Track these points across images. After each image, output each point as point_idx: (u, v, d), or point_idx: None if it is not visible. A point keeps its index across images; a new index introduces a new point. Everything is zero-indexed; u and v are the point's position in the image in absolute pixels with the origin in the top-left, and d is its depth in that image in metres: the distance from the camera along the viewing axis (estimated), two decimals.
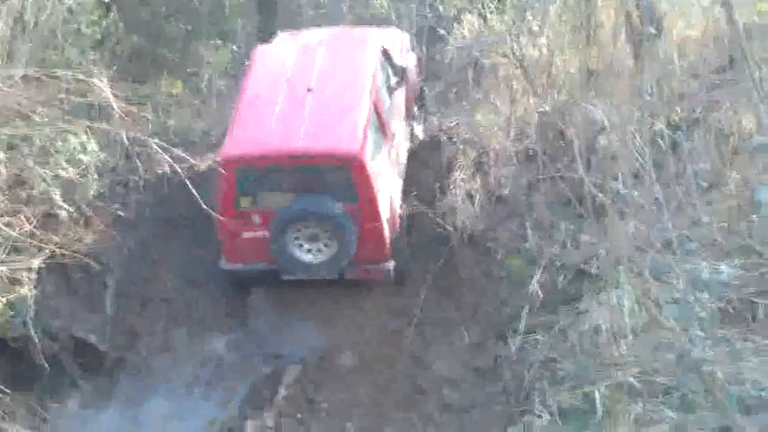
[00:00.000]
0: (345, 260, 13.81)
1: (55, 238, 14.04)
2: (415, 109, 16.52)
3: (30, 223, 13.45)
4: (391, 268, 14.08)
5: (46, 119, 14.51)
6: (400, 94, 15.82)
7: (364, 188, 13.65)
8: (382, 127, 14.60)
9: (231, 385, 13.41)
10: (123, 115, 14.51)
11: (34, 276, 13.63)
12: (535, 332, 12.73)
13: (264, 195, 13.93)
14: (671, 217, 9.79)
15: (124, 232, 14.87)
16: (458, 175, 14.46)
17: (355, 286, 14.31)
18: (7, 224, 13.25)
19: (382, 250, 14.00)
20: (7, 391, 12.78)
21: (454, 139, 15.16)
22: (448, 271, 14.16)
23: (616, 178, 10.05)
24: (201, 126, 17.10)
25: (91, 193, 14.89)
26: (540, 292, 12.87)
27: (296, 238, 13.83)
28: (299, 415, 12.75)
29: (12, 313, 13.40)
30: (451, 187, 14.31)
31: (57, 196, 14.41)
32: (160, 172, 15.52)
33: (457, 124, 15.37)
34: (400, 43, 16.56)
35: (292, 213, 13.70)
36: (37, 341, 13.38)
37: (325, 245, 13.83)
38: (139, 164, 15.32)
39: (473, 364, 13.24)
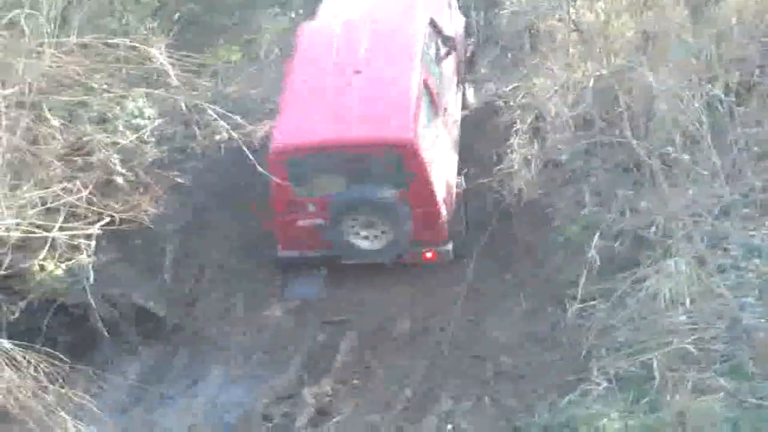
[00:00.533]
0: (402, 245, 13.93)
1: (114, 205, 14.12)
2: (466, 74, 16.43)
3: (87, 189, 13.51)
4: (450, 249, 14.13)
5: (104, 86, 14.58)
6: (450, 63, 15.69)
7: (418, 174, 13.65)
8: (433, 104, 14.49)
9: (288, 352, 13.44)
10: (181, 83, 14.54)
11: (93, 243, 13.74)
12: (592, 299, 12.63)
13: (317, 183, 13.94)
14: (727, 183, 9.71)
15: (182, 199, 14.91)
16: (515, 140, 14.33)
17: None
18: (65, 190, 13.32)
19: (440, 233, 14.04)
20: (67, 358, 12.89)
21: (511, 104, 15.02)
22: (505, 238, 14.09)
23: (673, 144, 9.98)
24: (258, 93, 17.10)
25: (149, 159, 14.99)
26: (597, 259, 12.76)
27: (352, 227, 13.90)
28: (356, 382, 12.76)
29: (71, 279, 13.53)
30: (508, 152, 14.19)
31: (115, 162, 14.51)
32: (217, 139, 15.58)
33: (514, 89, 15.22)
34: (447, 7, 16.42)
35: (346, 203, 13.78)
36: (96, 308, 13.50)
37: (383, 232, 13.91)
38: (197, 131, 15.43)
39: (530, 330, 13.18)
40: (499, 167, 14.16)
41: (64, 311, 13.42)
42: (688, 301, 11.26)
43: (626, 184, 13.26)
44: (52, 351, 13.02)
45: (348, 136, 13.81)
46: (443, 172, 14.19)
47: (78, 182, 13.60)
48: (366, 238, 13.98)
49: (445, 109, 14.86)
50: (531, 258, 13.83)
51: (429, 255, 14.17)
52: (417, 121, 13.77)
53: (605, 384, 11.47)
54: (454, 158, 14.84)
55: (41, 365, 12.74)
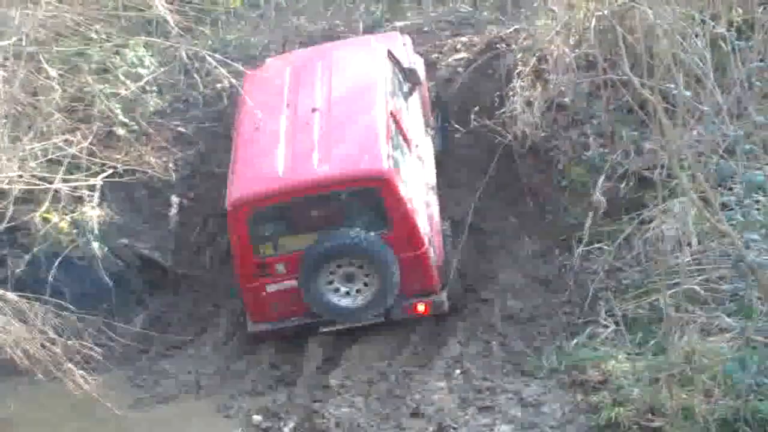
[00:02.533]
0: (389, 298, 12.27)
1: (117, 156, 14.10)
2: (436, 116, 14.95)
3: (88, 140, 13.48)
4: (445, 299, 12.60)
5: (103, 36, 14.50)
6: (415, 100, 14.21)
7: (398, 210, 12.15)
8: (404, 139, 13.05)
9: None
10: (181, 31, 14.45)
11: (96, 194, 13.74)
12: (598, 241, 12.63)
13: (284, 238, 12.45)
14: (731, 121, 9.64)
15: (185, 149, 14.86)
16: (517, 83, 14.23)
17: None
18: (66, 142, 13.29)
19: (430, 280, 12.49)
20: (73, 310, 12.90)
21: (513, 47, 14.90)
22: (510, 180, 14.05)
23: (676, 83, 9.88)
24: (260, 39, 16.99)
25: (151, 109, 14.94)
26: (603, 201, 12.74)
27: (330, 282, 12.27)
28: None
29: (76, 231, 13.52)
30: (511, 95, 14.10)
31: (117, 113, 14.46)
32: (219, 87, 15.51)
33: (515, 31, 15.10)
34: (403, 47, 14.70)
35: (319, 253, 12.15)
36: (101, 259, 13.50)
37: (365, 284, 12.30)
38: (198, 80, 15.35)
39: (537, 274, 13.18)
40: (501, 110, 14.06)
41: (69, 263, 13.37)
42: (694, 241, 11.24)
43: (630, 125, 13.21)
44: (59, 303, 13.10)
45: (313, 177, 12.27)
46: (426, 213, 12.81)
47: (79, 134, 13.59)
48: (347, 294, 12.31)
49: (417, 145, 13.43)
50: (536, 201, 13.79)
51: (421, 308, 12.47)
52: (389, 153, 12.31)
53: (612, 326, 11.50)
54: (435, 201, 13.38)
55: (48, 317, 12.79)
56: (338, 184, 12.20)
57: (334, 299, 12.28)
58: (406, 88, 13.93)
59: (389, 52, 13.78)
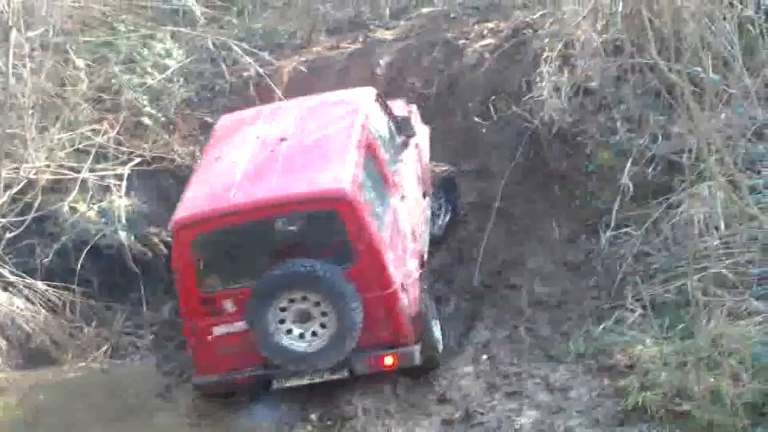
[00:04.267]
0: (349, 341, 10.64)
1: (144, 145, 14.17)
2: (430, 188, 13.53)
3: (115, 130, 13.55)
4: (416, 351, 10.99)
5: (130, 26, 14.57)
6: (410, 157, 12.86)
7: (361, 239, 10.63)
8: (383, 176, 11.69)
9: None
10: (207, 21, 14.51)
11: (124, 183, 13.80)
12: (626, 226, 12.58)
13: (234, 269, 10.89)
14: (760, 104, 9.60)
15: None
16: (544, 68, 14.16)
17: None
18: (93, 132, 13.36)
19: (399, 327, 10.91)
20: (101, 299, 13.02)
21: (539, 32, 14.84)
22: (538, 166, 14.00)
23: (704, 67, 9.85)
24: (287, 28, 17.00)
25: (178, 99, 14.98)
26: (631, 186, 12.69)
27: (281, 321, 10.68)
28: None
29: (104, 220, 13.59)
30: (538, 81, 14.05)
31: (144, 103, 14.52)
32: (245, 75, 15.55)
33: (542, 16, 15.04)
34: (406, 113, 13.53)
35: (268, 283, 10.57)
36: (129, 248, 13.54)
37: (321, 325, 10.71)
38: (224, 69, 15.40)
39: (565, 258, 13.13)
40: (529, 96, 14.01)
41: (97, 252, 13.43)
42: (722, 225, 11.18)
43: (658, 109, 13.15)
44: (86, 292, 13.20)
45: (267, 196, 10.84)
46: (402, 257, 11.28)
47: (106, 123, 13.67)
48: (301, 337, 10.71)
49: (405, 197, 11.98)
50: (564, 186, 13.73)
51: (389, 360, 10.89)
52: (356, 177, 10.87)
53: (640, 311, 11.44)
54: (416, 262, 11.66)
55: (76, 306, 12.90)
56: (294, 204, 10.75)
57: (286, 342, 10.69)
58: (397, 138, 12.77)
59: (378, 95, 12.63)
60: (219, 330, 10.87)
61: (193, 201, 11.15)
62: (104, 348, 12.83)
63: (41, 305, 12.91)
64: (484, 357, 11.78)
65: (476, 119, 14.20)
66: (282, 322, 10.68)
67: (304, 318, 10.70)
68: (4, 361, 12.47)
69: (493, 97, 14.27)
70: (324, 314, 10.65)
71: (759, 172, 10.52)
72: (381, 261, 10.71)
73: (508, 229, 13.65)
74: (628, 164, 12.82)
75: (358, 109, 12.05)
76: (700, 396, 9.61)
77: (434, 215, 13.58)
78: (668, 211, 12.03)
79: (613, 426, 10.21)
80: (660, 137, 13.09)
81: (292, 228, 10.91)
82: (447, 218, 13.93)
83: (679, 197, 11.85)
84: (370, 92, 12.63)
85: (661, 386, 10.20)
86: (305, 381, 10.99)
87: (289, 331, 10.70)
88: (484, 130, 14.14)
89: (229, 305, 10.82)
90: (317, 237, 10.83)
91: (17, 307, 12.77)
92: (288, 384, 11.01)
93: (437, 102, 14.82)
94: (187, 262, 10.79)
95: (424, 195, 13.07)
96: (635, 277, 11.97)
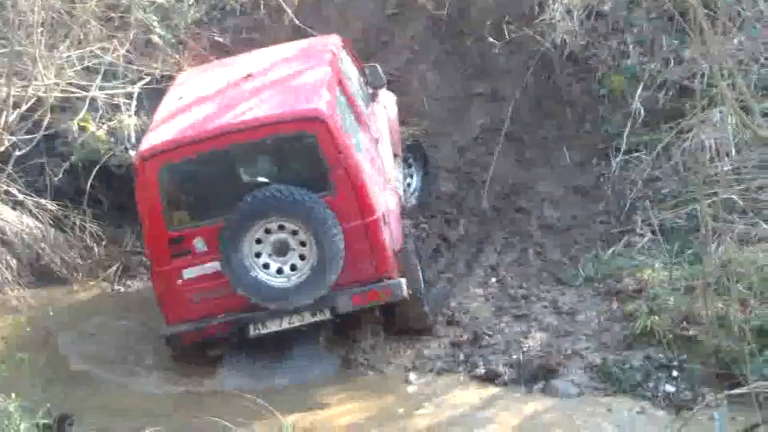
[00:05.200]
0: (331, 273, 10.04)
1: (154, 65, 14.08)
2: (412, 164, 13.15)
3: (124, 48, 13.45)
4: (403, 283, 10.40)
5: None
6: (381, 112, 12.35)
7: (339, 163, 10.05)
8: (356, 115, 11.14)
9: None
10: None
11: (134, 102, 13.75)
12: (637, 151, 12.56)
13: (204, 204, 10.23)
14: None
15: (222, 57, 14.78)
16: None
17: None
18: (103, 50, 13.28)
19: (383, 260, 10.33)
20: (111, 219, 13.05)
21: None
22: (549, 90, 13.91)
23: None
24: None
25: (188, 18, 14.85)
26: (642, 110, 12.64)
27: (257, 255, 10.07)
28: None
29: (113, 140, 13.56)
30: (550, 2, 13.90)
31: (154, 23, 14.41)
32: None
33: None
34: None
35: (244, 209, 9.94)
36: None
37: (301, 257, 10.10)
38: None
39: (575, 183, 13.12)
40: (540, 18, 13.89)
41: (107, 172, 13.42)
42: (733, 151, 11.15)
43: (670, 33, 13.05)
44: (96, 212, 13.21)
45: (238, 120, 10.22)
46: (380, 190, 10.68)
47: (116, 41, 13.57)
48: (279, 272, 10.11)
49: (377, 139, 11.49)
50: (575, 110, 13.65)
51: (374, 294, 10.30)
52: (331, 101, 10.36)
53: (649, 235, 11.49)
54: (397, 212, 11.23)
55: (86, 226, 12.91)
56: (266, 127, 10.09)
57: (263, 277, 10.06)
58: (366, 88, 12.22)
59: (345, 43, 12.18)
60: (189, 273, 10.20)
61: (157, 134, 10.44)
62: (114, 268, 12.89)
63: (50, 225, 12.93)
64: (493, 280, 11.82)
65: (489, 40, 14.05)
66: (258, 255, 10.06)
67: (282, 251, 10.09)
68: (14, 279, 12.53)
69: (505, 19, 14.08)
70: (303, 244, 10.06)
71: None
72: (361, 186, 10.14)
73: (518, 153, 13.62)
74: (640, 89, 12.78)
75: (327, 51, 11.57)
76: (708, 321, 9.63)
77: (405, 183, 12.88)
78: (679, 136, 12.00)
79: (620, 350, 10.27)
80: (672, 61, 13.01)
81: (265, 155, 10.30)
82: (418, 186, 13.27)
83: (690, 122, 11.80)
84: (336, 39, 12.14)
85: (669, 311, 10.25)
86: (285, 326, 10.37)
87: (266, 266, 10.08)
88: (497, 50, 14.02)
89: (200, 244, 10.16)
90: (292, 163, 10.27)
91: (27, 225, 12.80)
92: (266, 330, 10.37)
93: (449, 25, 14.68)
94: (154, 199, 10.10)
95: (395, 156, 12.29)
96: (645, 201, 12.02)
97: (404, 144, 13.05)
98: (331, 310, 10.34)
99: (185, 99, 11.08)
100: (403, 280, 10.40)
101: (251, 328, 10.38)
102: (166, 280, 10.24)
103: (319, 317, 10.38)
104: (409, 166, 13.21)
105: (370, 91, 12.38)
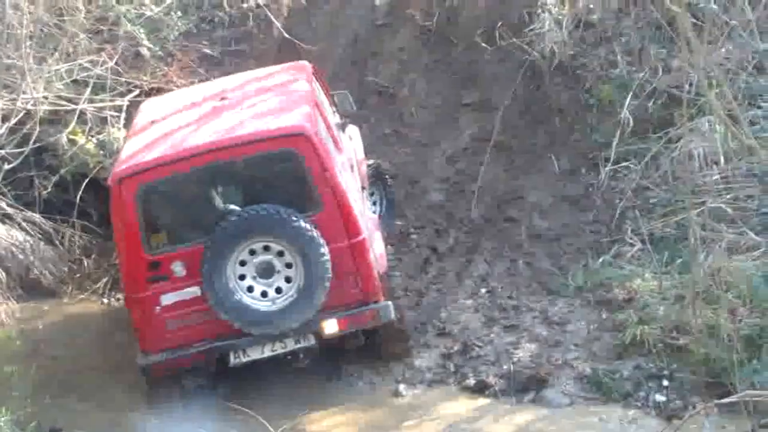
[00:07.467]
0: (318, 296, 9.65)
1: (143, 77, 14.10)
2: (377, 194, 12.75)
3: (113, 61, 13.47)
4: (390, 305, 10.06)
5: None
6: (348, 143, 11.84)
7: (323, 180, 9.72)
8: (332, 137, 10.74)
9: None
10: None
11: (122, 115, 13.75)
12: (626, 160, 12.56)
13: (183, 226, 9.87)
14: (761, 38, 9.54)
15: (210, 69, 14.80)
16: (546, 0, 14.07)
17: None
18: (92, 63, 13.29)
19: (369, 283, 9.99)
20: (100, 231, 13.02)
21: None
22: (538, 99, 13.92)
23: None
24: None
25: (176, 31, 14.86)
26: (631, 119, 12.65)
27: (241, 278, 9.65)
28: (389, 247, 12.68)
29: (102, 152, 13.56)
30: (539, 13, 13.94)
31: (142, 34, 14.43)
32: (245, 7, 15.42)
33: None
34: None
35: (228, 229, 9.51)
36: None
37: (286, 279, 9.71)
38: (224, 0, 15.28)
39: (564, 192, 13.09)
40: (530, 28, 13.91)
41: (96, 185, 13.40)
42: (722, 160, 11.17)
43: (659, 42, 13.09)
44: (85, 224, 13.20)
45: (217, 139, 9.85)
46: (362, 213, 10.43)
47: (104, 54, 13.59)
48: (264, 295, 9.69)
49: (352, 166, 11.23)
50: (564, 119, 13.65)
51: (362, 318, 9.97)
52: (313, 119, 10.11)
53: (639, 245, 11.48)
54: (375, 224, 11.14)
55: (75, 238, 12.91)
56: (249, 145, 9.75)
57: (247, 301, 9.65)
58: (336, 117, 11.78)
59: (315, 70, 11.82)
60: (167, 298, 9.75)
61: (132, 156, 10.01)
62: (104, 281, 12.87)
63: (40, 238, 12.92)
64: (483, 290, 11.81)
65: (478, 49, 14.06)
66: (242, 278, 9.65)
67: (267, 273, 9.67)
68: (3, 293, 12.51)
69: (494, 28, 14.10)
70: (288, 266, 9.66)
71: (759, 107, 10.47)
72: (347, 205, 9.83)
73: (507, 162, 13.61)
74: (629, 98, 12.78)
75: (302, 75, 11.32)
76: (698, 330, 9.63)
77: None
78: (668, 145, 12.03)
79: (611, 359, 10.26)
80: (660, 70, 13.03)
81: (246, 175, 9.93)
82: (384, 210, 12.80)
83: (678, 131, 11.83)
84: (307, 65, 11.81)
85: (659, 320, 10.24)
86: (267, 353, 10.01)
87: (251, 289, 9.67)
88: (486, 57, 14.04)
89: (178, 268, 9.74)
90: (274, 184, 9.87)
91: (16, 239, 12.79)
92: (246, 359, 9.98)
93: (438, 34, 14.70)
94: (130, 221, 9.65)
95: (363, 189, 11.69)
96: (634, 211, 12.01)
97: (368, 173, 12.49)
98: (315, 336, 10.01)
99: (158, 121, 10.76)
100: (390, 303, 10.11)
101: (231, 356, 9.99)
102: (143, 306, 9.81)
103: (303, 344, 10.04)
104: (373, 195, 12.77)
105: (340, 120, 11.94)
